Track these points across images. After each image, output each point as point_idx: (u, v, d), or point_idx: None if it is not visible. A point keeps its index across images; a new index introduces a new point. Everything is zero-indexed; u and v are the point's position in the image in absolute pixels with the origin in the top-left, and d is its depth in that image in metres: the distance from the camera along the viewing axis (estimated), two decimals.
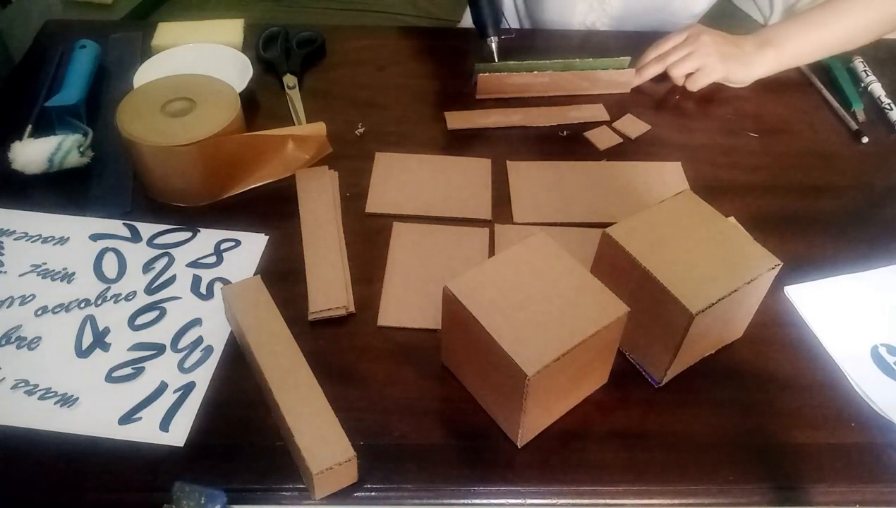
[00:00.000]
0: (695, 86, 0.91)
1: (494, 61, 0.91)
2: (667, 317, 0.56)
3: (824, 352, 0.64)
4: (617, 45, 0.99)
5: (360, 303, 0.66)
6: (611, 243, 0.59)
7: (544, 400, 0.55)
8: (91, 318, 0.65)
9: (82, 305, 0.66)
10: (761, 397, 0.61)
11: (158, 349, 0.62)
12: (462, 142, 0.85)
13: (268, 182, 0.77)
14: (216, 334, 0.64)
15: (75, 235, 0.72)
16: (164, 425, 0.57)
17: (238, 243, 0.72)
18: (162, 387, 0.60)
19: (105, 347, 0.62)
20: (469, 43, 1.00)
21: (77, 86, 0.83)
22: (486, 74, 0.89)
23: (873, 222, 0.77)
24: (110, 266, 0.69)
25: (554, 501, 0.55)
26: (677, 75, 0.92)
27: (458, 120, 0.87)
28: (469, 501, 0.54)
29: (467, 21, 1.20)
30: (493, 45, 0.91)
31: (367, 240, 0.72)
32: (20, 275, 0.68)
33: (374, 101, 0.90)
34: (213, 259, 0.70)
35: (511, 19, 1.14)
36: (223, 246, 0.71)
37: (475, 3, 0.91)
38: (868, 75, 0.96)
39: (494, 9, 0.91)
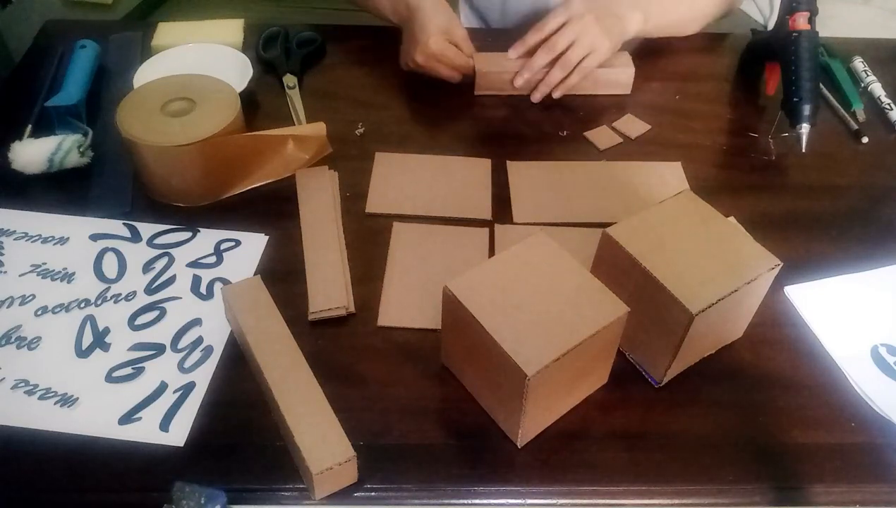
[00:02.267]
0: (582, 73, 0.87)
1: (802, 151, 0.81)
2: (667, 317, 0.56)
3: (824, 352, 0.64)
4: None
5: (360, 303, 0.66)
6: (611, 243, 0.59)
7: (544, 400, 0.55)
8: (91, 318, 0.64)
9: (82, 305, 0.65)
10: (761, 397, 0.61)
11: (158, 349, 0.62)
12: (462, 142, 0.85)
13: (268, 182, 0.77)
14: (216, 334, 0.64)
15: (75, 235, 0.72)
16: (164, 425, 0.57)
17: (238, 243, 0.72)
18: (162, 387, 0.59)
19: (105, 347, 0.62)
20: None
21: (77, 87, 0.83)
22: (486, 70, 0.89)
23: (873, 222, 0.77)
24: (110, 266, 0.69)
25: (554, 501, 0.55)
26: (570, 63, 0.86)
27: (487, 81, 0.90)
28: (469, 501, 0.54)
29: (465, 21, 1.20)
30: (804, 134, 0.80)
31: (367, 240, 0.72)
32: (20, 275, 0.68)
33: (374, 101, 0.90)
34: (213, 259, 0.70)
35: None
36: (223, 246, 0.71)
37: (796, 84, 0.80)
38: (868, 75, 0.96)
39: (817, 94, 0.81)
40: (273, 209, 0.75)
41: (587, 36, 0.86)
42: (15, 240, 0.71)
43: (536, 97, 0.90)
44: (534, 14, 1.07)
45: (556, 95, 0.89)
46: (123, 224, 0.73)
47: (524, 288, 0.55)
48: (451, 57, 0.88)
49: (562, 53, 0.86)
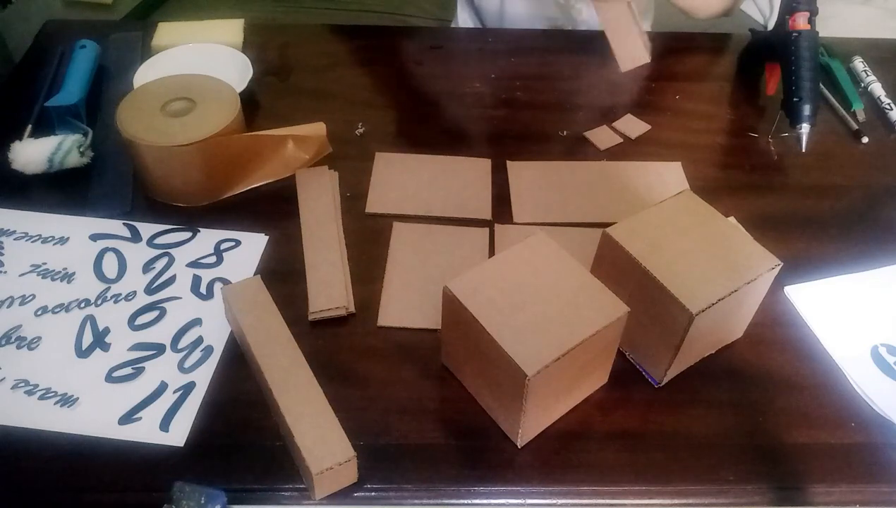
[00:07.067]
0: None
1: (802, 151, 0.81)
2: (667, 317, 0.56)
3: (824, 352, 0.64)
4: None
5: (360, 303, 0.66)
6: (611, 243, 0.59)
7: (544, 400, 0.55)
8: (91, 318, 0.64)
9: (82, 305, 0.66)
10: (761, 397, 0.61)
11: (158, 349, 0.62)
12: (462, 142, 0.85)
13: (268, 182, 0.77)
14: (216, 334, 0.64)
15: (75, 235, 0.72)
16: (164, 425, 0.57)
17: (238, 243, 0.72)
18: (162, 387, 0.60)
19: (105, 347, 0.62)
20: (468, 42, 1.00)
21: (77, 86, 0.83)
22: None
23: (873, 222, 0.77)
24: (110, 266, 0.69)
25: (554, 501, 0.55)
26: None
27: None
28: (469, 501, 0.54)
29: (462, 21, 1.20)
30: (804, 134, 0.81)
31: (367, 240, 0.72)
32: (20, 275, 0.68)
33: (374, 101, 0.90)
34: (213, 259, 0.70)
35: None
36: (223, 246, 0.71)
37: (796, 84, 0.81)
38: (868, 75, 0.96)
39: (817, 94, 0.81)
40: (273, 209, 0.75)
41: None
42: (15, 240, 0.71)
43: None
44: (531, 16, 1.07)
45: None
46: (123, 224, 0.73)
47: (524, 288, 0.55)
48: None
49: None
